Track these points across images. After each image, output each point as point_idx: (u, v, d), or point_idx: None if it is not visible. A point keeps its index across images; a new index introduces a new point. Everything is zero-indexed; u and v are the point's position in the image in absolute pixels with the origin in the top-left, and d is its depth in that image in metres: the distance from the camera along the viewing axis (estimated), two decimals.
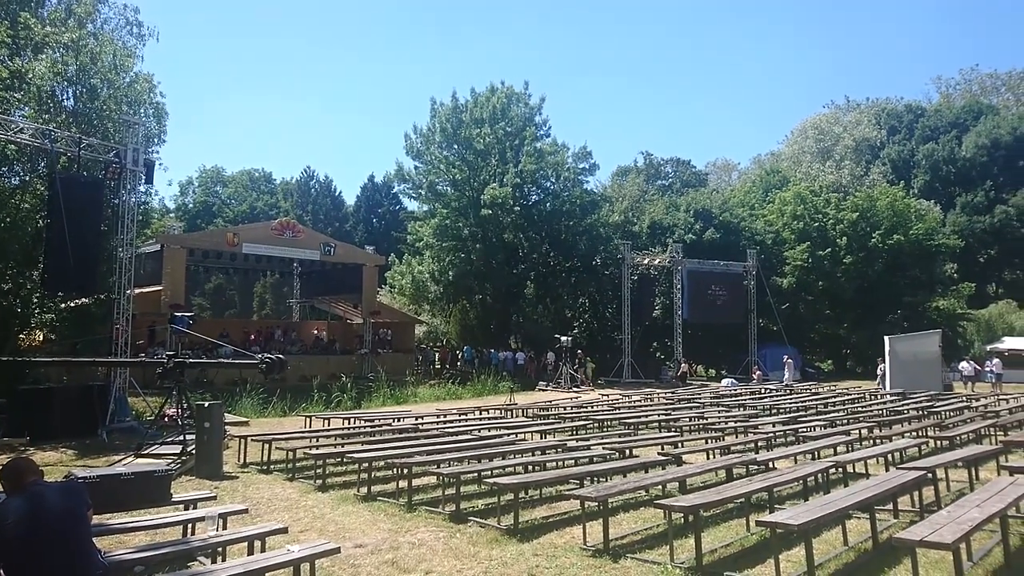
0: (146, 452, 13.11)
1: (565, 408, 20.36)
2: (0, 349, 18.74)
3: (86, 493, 4.78)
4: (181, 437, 13.13)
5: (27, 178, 20.60)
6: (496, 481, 8.96)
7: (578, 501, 8.17)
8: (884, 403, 20.92)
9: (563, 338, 30.42)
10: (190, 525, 7.25)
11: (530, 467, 10.96)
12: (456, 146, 37.50)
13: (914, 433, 14.29)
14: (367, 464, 10.72)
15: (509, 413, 19.57)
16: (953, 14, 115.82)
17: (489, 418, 18.30)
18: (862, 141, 64.37)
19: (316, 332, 34.84)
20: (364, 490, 10.34)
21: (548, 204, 38.05)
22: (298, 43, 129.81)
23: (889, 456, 11.13)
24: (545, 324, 37.81)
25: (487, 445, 12.30)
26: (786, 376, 32.58)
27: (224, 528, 7.08)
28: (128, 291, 18.40)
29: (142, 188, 20.67)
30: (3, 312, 19.54)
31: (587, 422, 16.76)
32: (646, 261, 36.25)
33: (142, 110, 22.03)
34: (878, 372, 31.20)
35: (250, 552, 6.41)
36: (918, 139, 62.11)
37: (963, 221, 52.25)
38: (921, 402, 20.25)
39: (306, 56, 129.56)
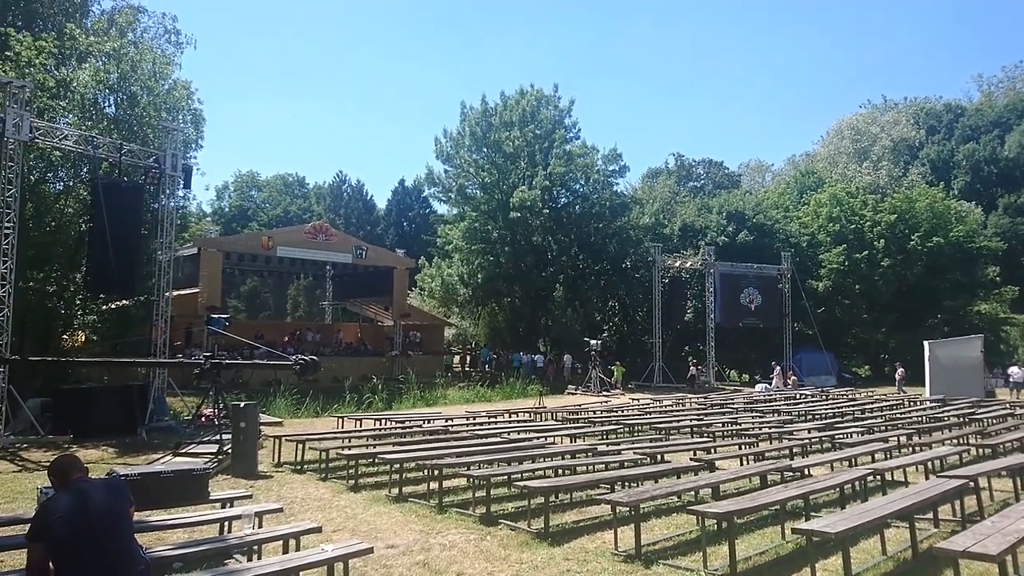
0: (184, 451, 13.40)
1: (595, 412, 20.27)
2: (44, 350, 19.35)
3: (128, 490, 4.90)
4: (217, 436, 13.40)
5: (71, 183, 21.25)
6: (526, 484, 8.96)
7: (609, 506, 8.11)
8: (923, 410, 20.40)
9: (592, 341, 30.30)
10: (226, 523, 7.38)
11: (560, 471, 10.93)
12: (485, 149, 37.62)
13: (955, 441, 13.91)
14: (398, 465, 10.81)
15: (538, 416, 19.55)
16: (994, 8, 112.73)
17: (518, 421, 18.30)
18: (900, 141, 63.03)
19: (339, 335, 35.04)
20: (395, 491, 10.42)
21: (577, 206, 37.95)
22: (330, 49, 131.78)
23: (929, 464, 10.86)
24: (574, 327, 37.70)
25: (517, 448, 12.32)
26: (773, 383, 31.83)
27: (259, 527, 7.18)
28: (167, 293, 18.82)
29: (180, 193, 21.16)
30: (47, 313, 20.19)
31: (617, 426, 16.66)
32: (677, 264, 35.89)
33: (180, 116, 22.56)
34: (896, 376, 30.52)
35: (285, 551, 6.49)
36: (958, 139, 60.62)
37: (1005, 223, 50.60)
38: (962, 409, 19.71)
39: (338, 62, 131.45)
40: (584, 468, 11.43)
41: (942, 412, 19.24)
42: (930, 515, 8.34)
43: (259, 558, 6.50)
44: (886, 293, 38.49)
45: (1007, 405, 21.36)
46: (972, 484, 8.64)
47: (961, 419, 17.65)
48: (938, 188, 45.07)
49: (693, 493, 9.44)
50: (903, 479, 10.55)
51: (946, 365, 26.39)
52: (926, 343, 27.50)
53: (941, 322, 37.21)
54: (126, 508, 4.64)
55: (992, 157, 55.95)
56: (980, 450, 12.97)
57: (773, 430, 15.34)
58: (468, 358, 36.86)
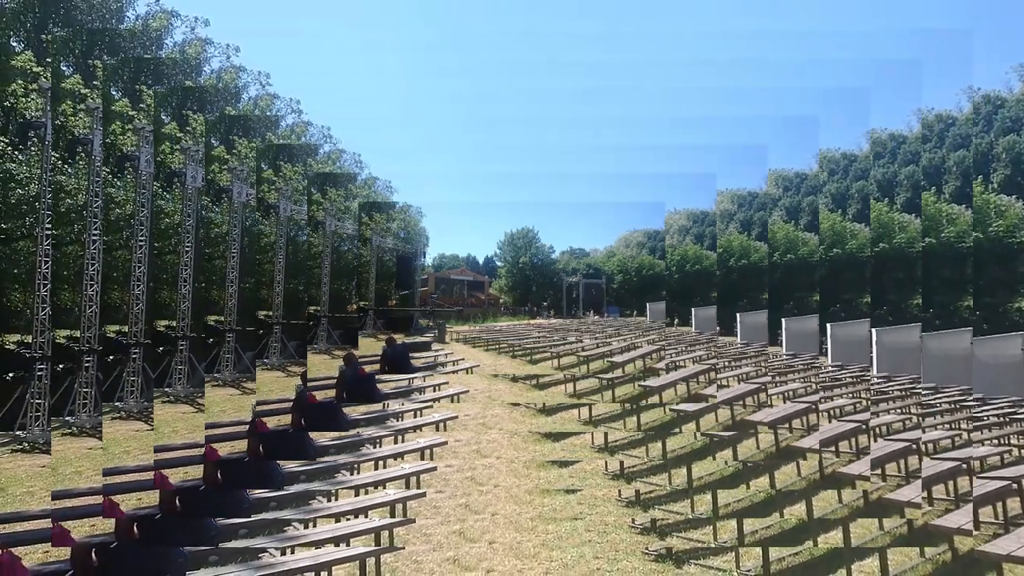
0: (424, 335, 12.76)
1: (549, 327, 18.75)
2: (381, 307, 18.65)
3: (407, 349, 4.23)
4: (435, 331, 12.74)
5: (387, 258, 20.53)
6: (529, 348, 8.05)
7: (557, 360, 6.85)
8: (663, 330, 17.28)
9: (544, 303, 28.80)
10: (438, 357, 6.69)
11: (538, 344, 9.81)
12: (513, 252, 36.79)
13: (702, 355, 8.96)
14: (495, 341, 9.93)
15: (531, 329, 18.12)
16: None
17: (528, 329, 16.83)
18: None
19: (468, 302, 34.11)
20: (494, 349, 9.49)
21: (544, 267, 36.73)
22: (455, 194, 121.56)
23: (692, 360, 7.43)
24: (542, 302, 36.41)
25: (526, 337, 11.35)
26: (592, 317, 28.99)
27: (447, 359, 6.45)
28: (419, 290, 18.26)
29: (422, 259, 20.54)
30: (378, 297, 19.37)
31: (556, 332, 15.10)
32: (572, 280, 34.29)
33: (420, 236, 21.77)
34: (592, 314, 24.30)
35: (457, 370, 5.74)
36: (690, 238, 52.99)
37: None
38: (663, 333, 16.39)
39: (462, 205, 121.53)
40: (546, 344, 10.32)
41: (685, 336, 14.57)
42: (694, 381, 6.17)
43: (445, 369, 5.74)
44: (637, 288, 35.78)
45: None
46: (712, 368, 6.36)
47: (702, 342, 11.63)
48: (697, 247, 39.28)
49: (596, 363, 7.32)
50: (679, 367, 7.81)
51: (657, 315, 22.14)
52: (648, 304, 23.31)
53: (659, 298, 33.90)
54: (407, 355, 3.96)
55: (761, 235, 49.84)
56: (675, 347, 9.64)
57: (604, 333, 13.69)
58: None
